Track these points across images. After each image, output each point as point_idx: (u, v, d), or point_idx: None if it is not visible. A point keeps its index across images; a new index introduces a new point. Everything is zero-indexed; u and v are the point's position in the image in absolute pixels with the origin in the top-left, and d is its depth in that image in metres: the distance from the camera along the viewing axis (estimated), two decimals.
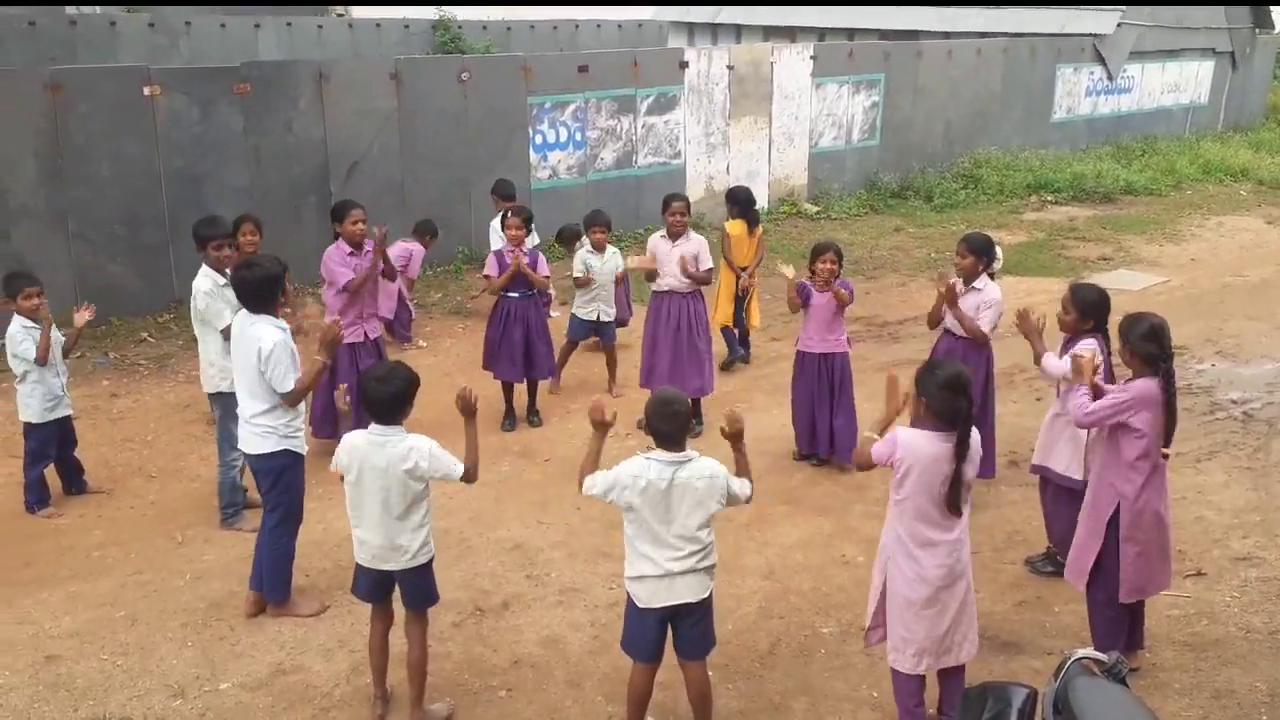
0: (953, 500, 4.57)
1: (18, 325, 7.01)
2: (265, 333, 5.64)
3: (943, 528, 4.63)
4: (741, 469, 4.77)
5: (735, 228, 9.71)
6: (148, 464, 8.05)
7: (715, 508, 4.59)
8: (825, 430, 7.82)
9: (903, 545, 4.72)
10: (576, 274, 9.15)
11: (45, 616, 6.02)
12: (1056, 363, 5.82)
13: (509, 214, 8.61)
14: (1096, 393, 5.22)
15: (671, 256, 8.20)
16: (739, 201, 9.78)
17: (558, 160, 14.02)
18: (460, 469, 4.89)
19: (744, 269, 9.66)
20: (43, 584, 6.38)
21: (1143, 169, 19.85)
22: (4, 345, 7.28)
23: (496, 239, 9.90)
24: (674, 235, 8.22)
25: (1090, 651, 3.62)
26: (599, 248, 9.26)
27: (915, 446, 4.57)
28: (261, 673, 5.51)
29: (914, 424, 4.75)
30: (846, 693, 5.37)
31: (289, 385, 5.66)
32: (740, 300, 9.78)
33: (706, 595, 4.69)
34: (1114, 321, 5.60)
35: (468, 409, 4.95)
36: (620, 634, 4.93)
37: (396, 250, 10.28)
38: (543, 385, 9.09)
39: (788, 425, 8.08)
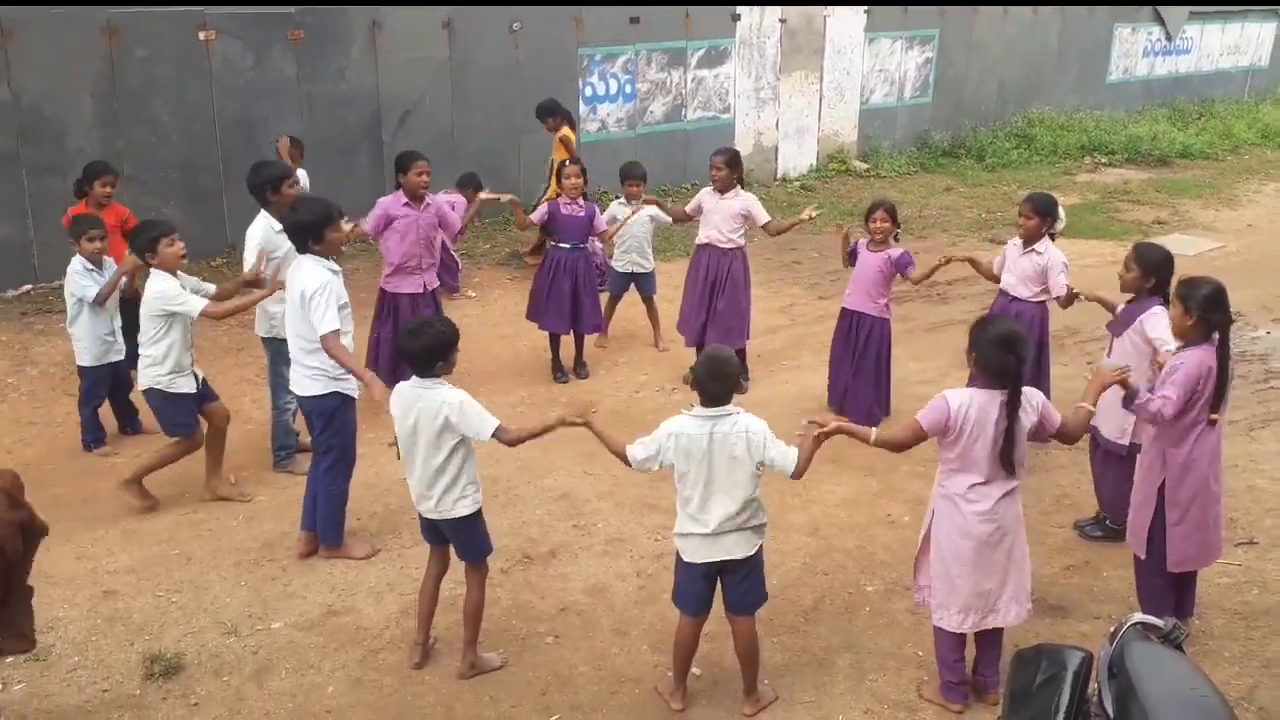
0: (1007, 457, 4.52)
1: (79, 264, 7.10)
2: (310, 274, 5.66)
3: (991, 483, 4.59)
4: (801, 447, 4.60)
5: (569, 134, 10.75)
6: None
7: (753, 468, 4.55)
8: (840, 387, 7.92)
9: (948, 499, 4.70)
10: (603, 226, 8.93)
11: (103, 552, 6.15)
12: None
13: (566, 163, 8.57)
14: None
15: (718, 209, 8.17)
16: (558, 111, 10.92)
17: (607, 113, 13.93)
18: (491, 428, 4.83)
19: None
20: (100, 521, 6.51)
21: (1199, 132, 19.45)
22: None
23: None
24: (720, 189, 8.18)
25: (1147, 616, 3.61)
26: (632, 200, 9.20)
27: (968, 405, 4.54)
28: (313, 613, 5.61)
29: (969, 382, 4.73)
30: (891, 650, 5.38)
31: (328, 326, 5.58)
32: None
33: (754, 552, 4.69)
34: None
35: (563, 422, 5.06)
36: (666, 585, 4.95)
37: (439, 199, 10.20)
38: (590, 338, 9.11)
39: None
